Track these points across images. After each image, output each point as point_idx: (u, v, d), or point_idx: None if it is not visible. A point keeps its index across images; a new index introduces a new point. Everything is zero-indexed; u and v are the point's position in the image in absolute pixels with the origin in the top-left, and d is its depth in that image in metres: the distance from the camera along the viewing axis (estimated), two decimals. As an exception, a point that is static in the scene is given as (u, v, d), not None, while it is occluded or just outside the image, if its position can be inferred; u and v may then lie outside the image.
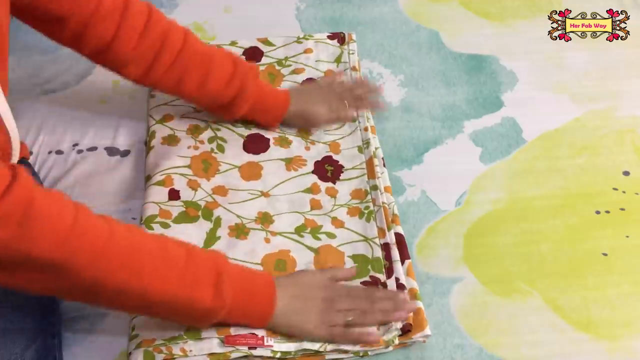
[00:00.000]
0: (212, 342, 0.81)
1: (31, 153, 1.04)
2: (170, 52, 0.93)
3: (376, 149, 1.02)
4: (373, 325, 0.81)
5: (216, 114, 1.03)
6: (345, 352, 0.82)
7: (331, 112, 1.05)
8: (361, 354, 0.83)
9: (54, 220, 0.65)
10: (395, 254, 0.89)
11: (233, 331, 0.81)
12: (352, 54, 1.16)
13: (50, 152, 1.04)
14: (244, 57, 1.16)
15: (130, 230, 0.71)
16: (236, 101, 0.98)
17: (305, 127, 1.05)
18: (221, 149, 1.02)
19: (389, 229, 0.92)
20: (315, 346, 0.81)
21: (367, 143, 1.02)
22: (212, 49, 0.98)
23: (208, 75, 0.95)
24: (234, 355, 0.80)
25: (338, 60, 1.15)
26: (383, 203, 0.94)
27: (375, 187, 0.96)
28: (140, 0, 0.94)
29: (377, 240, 0.91)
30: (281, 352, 0.81)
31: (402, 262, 0.89)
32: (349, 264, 0.89)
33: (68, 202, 0.68)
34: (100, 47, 0.91)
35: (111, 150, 1.05)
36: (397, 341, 0.82)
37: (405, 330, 0.82)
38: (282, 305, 0.79)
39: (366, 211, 0.95)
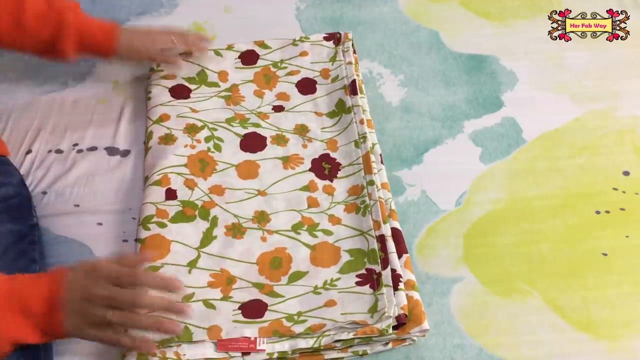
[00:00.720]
0: (206, 346, 0.81)
1: (30, 152, 1.04)
2: None
3: (373, 144, 1.02)
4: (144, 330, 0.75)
5: (49, 59, 1.02)
6: (345, 350, 0.82)
7: (156, 44, 1.05)
8: (360, 353, 0.83)
9: None
10: (391, 245, 0.89)
11: (224, 334, 0.81)
12: (347, 51, 1.16)
13: (50, 152, 1.04)
14: (239, 60, 1.16)
15: None
16: (58, 37, 0.97)
17: (137, 59, 1.07)
18: (218, 148, 1.02)
19: (384, 222, 0.91)
20: (310, 343, 0.81)
21: (363, 137, 1.02)
22: None
23: (20, 15, 0.94)
24: None
25: (333, 59, 1.15)
26: (380, 198, 0.94)
27: (371, 183, 0.96)
28: None
29: (372, 232, 0.91)
30: (278, 352, 0.81)
31: (400, 256, 0.89)
32: (345, 258, 0.90)
33: None
34: None
35: (111, 150, 1.06)
36: (391, 330, 0.81)
37: (400, 322, 0.82)
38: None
39: (362, 205, 0.95)
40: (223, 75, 1.13)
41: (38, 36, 0.96)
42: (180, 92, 1.09)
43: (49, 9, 0.96)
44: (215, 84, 1.12)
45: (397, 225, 0.93)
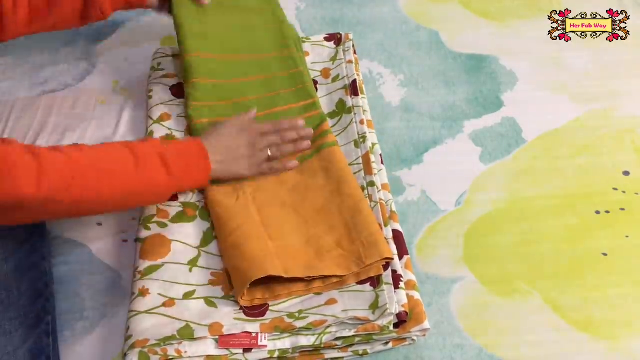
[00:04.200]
0: (207, 343, 0.81)
1: (31, 153, 1.04)
2: None
3: (373, 144, 1.02)
4: (289, 156, 0.98)
5: (86, 24, 1.05)
6: (345, 350, 0.82)
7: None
8: (360, 352, 0.83)
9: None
10: (393, 248, 0.89)
11: (226, 330, 0.81)
12: (347, 50, 1.16)
13: (50, 152, 1.04)
14: None
15: (78, 148, 0.83)
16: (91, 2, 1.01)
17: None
18: None
19: (385, 225, 0.91)
20: (311, 340, 0.81)
21: (363, 137, 1.02)
22: None
23: None
24: (230, 358, 0.80)
25: (333, 59, 1.15)
26: (380, 199, 0.94)
27: (372, 184, 0.96)
28: None
29: None
30: (279, 350, 0.81)
31: (401, 258, 0.89)
32: None
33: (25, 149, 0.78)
34: None
35: (111, 150, 1.06)
36: (391, 328, 0.81)
37: (401, 320, 0.82)
38: (215, 163, 0.92)
39: None
40: None
41: (72, 5, 1.00)
42: (181, 91, 1.09)
43: None
44: None
45: (398, 227, 0.92)
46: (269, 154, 0.96)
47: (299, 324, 0.82)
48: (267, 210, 0.93)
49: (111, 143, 0.90)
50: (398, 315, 0.82)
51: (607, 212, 1.00)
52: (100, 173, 0.81)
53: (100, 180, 0.81)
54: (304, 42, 1.18)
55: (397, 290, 0.84)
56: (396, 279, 0.85)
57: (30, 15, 0.97)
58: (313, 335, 0.81)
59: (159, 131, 1.03)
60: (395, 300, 0.83)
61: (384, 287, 0.85)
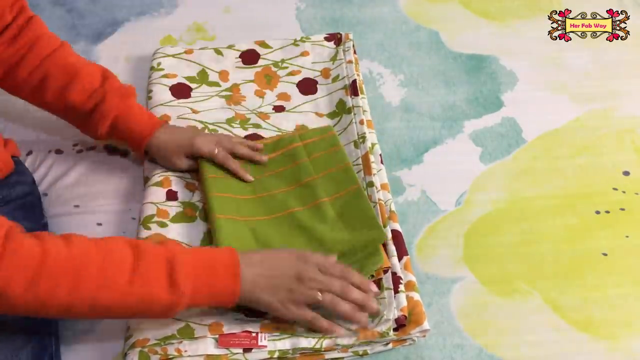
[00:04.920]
0: (207, 343, 0.81)
1: (31, 152, 1.04)
2: (36, 57, 0.93)
3: (373, 144, 1.02)
4: (339, 316, 0.80)
5: (82, 131, 0.99)
6: (345, 350, 0.82)
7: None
8: (360, 353, 0.83)
9: None
10: (392, 249, 0.89)
11: (226, 330, 0.81)
12: (347, 50, 1.16)
13: (50, 152, 1.04)
14: (240, 60, 1.15)
15: (68, 243, 0.70)
16: (95, 115, 0.94)
17: (165, 164, 0.98)
18: None
19: (385, 225, 0.91)
20: (312, 343, 0.81)
21: (362, 137, 1.02)
22: (84, 63, 0.96)
23: (69, 86, 0.93)
24: (230, 358, 0.80)
25: (334, 58, 1.15)
26: (379, 200, 0.94)
27: (371, 184, 0.96)
28: (27, 8, 0.95)
29: None
30: (279, 351, 0.81)
31: (400, 258, 0.89)
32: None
33: None
34: None
35: (111, 150, 1.06)
36: (391, 333, 0.81)
37: (400, 324, 0.82)
38: (248, 282, 0.76)
39: None
40: (224, 75, 1.13)
41: (77, 111, 0.95)
42: (180, 91, 1.09)
43: (100, 86, 0.94)
44: (216, 84, 1.12)
45: (397, 227, 0.92)
46: (319, 298, 0.78)
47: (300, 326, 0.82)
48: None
49: (115, 240, 0.74)
50: (397, 320, 0.82)
51: (607, 212, 1.00)
52: (75, 277, 0.69)
53: (70, 285, 0.69)
54: (304, 41, 1.18)
55: (397, 295, 0.84)
56: (396, 281, 0.85)
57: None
58: (313, 337, 0.81)
59: None
60: (394, 305, 0.83)
61: (385, 293, 0.84)
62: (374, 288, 0.82)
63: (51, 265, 0.68)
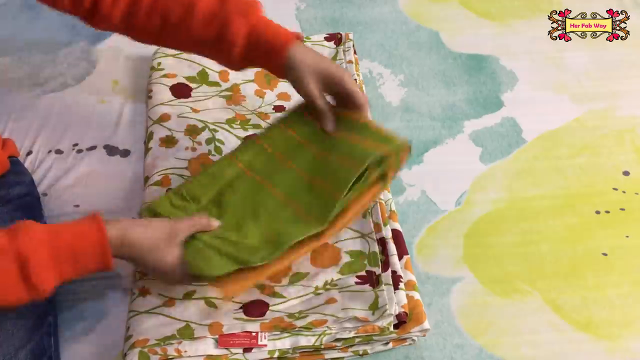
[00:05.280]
0: (207, 343, 0.81)
1: (31, 153, 1.04)
2: None
3: None
4: None
5: (220, 62, 0.91)
6: (345, 350, 0.82)
7: (331, 69, 0.84)
8: (361, 353, 0.83)
9: None
10: (392, 248, 0.89)
11: (226, 330, 0.81)
12: (348, 50, 1.16)
13: (50, 152, 1.04)
14: None
15: None
16: (224, 43, 0.85)
17: (299, 87, 0.86)
18: (219, 150, 1.02)
19: (385, 224, 0.91)
20: (311, 341, 0.81)
21: None
22: None
23: (187, 19, 0.85)
24: (230, 358, 0.80)
25: (334, 58, 1.15)
26: (379, 199, 0.94)
27: None
28: None
29: (373, 235, 0.91)
30: (279, 350, 0.81)
31: (400, 258, 0.89)
32: (345, 259, 0.89)
33: None
34: None
35: (111, 150, 1.06)
36: (391, 329, 0.81)
37: (401, 321, 0.82)
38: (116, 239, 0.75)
39: None
40: (224, 75, 1.13)
41: (203, 37, 0.86)
42: (181, 91, 1.09)
43: (220, 8, 0.85)
44: (216, 84, 1.12)
45: (397, 226, 0.92)
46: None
47: (299, 323, 0.82)
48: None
49: None
50: (398, 316, 0.82)
51: (607, 212, 1.00)
52: None
53: None
54: (304, 41, 1.18)
55: (397, 291, 0.84)
56: (396, 279, 0.85)
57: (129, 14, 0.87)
58: (313, 335, 0.81)
59: (160, 132, 1.03)
60: (395, 301, 0.83)
61: (384, 287, 0.85)
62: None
63: None
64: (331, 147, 0.86)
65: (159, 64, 1.13)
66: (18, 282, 0.70)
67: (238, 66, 0.89)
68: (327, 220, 0.81)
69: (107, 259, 0.75)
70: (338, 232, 0.85)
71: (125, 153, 1.05)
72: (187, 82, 1.11)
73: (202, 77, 1.12)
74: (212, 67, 1.13)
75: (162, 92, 1.09)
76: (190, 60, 1.13)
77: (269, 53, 0.85)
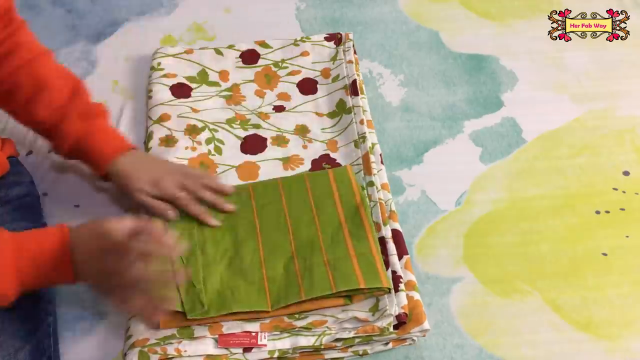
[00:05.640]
0: (206, 343, 0.81)
1: (31, 152, 1.04)
2: (9, 65, 0.90)
3: (373, 144, 1.02)
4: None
5: (50, 147, 0.95)
6: (345, 350, 0.82)
7: (154, 188, 0.90)
8: (360, 353, 0.83)
9: None
10: (392, 248, 0.89)
11: (225, 330, 0.81)
12: (348, 50, 1.16)
13: (50, 152, 1.04)
14: (240, 59, 1.15)
15: None
16: (57, 133, 0.90)
17: (123, 191, 0.92)
18: (218, 150, 1.02)
19: (384, 224, 0.91)
20: (311, 341, 0.81)
21: (362, 137, 1.02)
22: (57, 76, 0.92)
23: (35, 99, 0.89)
24: (230, 358, 0.80)
25: (334, 58, 1.15)
26: (379, 199, 0.94)
27: (371, 184, 0.96)
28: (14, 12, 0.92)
29: None
30: (278, 350, 0.81)
31: (400, 258, 0.89)
32: None
33: None
34: None
35: (111, 150, 1.06)
36: (391, 329, 0.81)
37: (401, 322, 0.82)
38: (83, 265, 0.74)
39: None
40: (224, 75, 1.13)
41: (40, 125, 0.92)
42: (181, 91, 1.09)
43: (67, 103, 0.90)
44: (216, 84, 1.12)
45: (397, 226, 0.92)
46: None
47: (299, 323, 0.82)
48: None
49: None
50: (398, 317, 0.82)
51: (607, 212, 1.00)
52: None
53: None
54: (304, 41, 1.18)
55: (397, 293, 0.84)
56: (396, 279, 0.85)
57: None
58: (313, 336, 0.81)
59: (159, 132, 1.03)
60: (395, 302, 0.83)
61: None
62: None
63: None
64: (330, 237, 0.89)
65: (159, 63, 1.13)
66: None
67: (64, 156, 0.93)
68: (278, 306, 0.83)
69: (66, 262, 0.73)
70: (284, 313, 0.84)
71: (125, 153, 1.05)
72: (187, 82, 1.11)
73: (202, 77, 1.12)
74: (212, 67, 1.14)
75: (162, 92, 1.09)
76: (190, 61, 1.13)
77: (92, 160, 0.91)
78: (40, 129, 0.93)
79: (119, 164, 0.90)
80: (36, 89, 0.90)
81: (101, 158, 0.90)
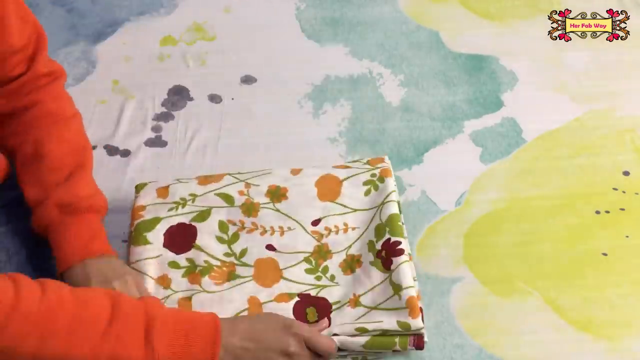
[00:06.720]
0: None
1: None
2: (22, 122, 0.86)
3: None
4: None
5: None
6: (344, 357, 0.82)
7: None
8: (360, 359, 0.83)
9: None
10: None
11: None
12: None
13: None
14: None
15: (44, 290, 0.68)
16: (35, 210, 0.85)
17: None
18: None
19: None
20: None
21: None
22: (67, 154, 0.87)
23: (28, 167, 0.86)
24: None
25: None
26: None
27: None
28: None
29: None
30: None
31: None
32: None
33: None
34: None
35: (111, 150, 1.05)
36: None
37: (418, 346, 0.81)
38: (230, 353, 0.73)
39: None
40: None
41: (26, 192, 0.86)
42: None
43: (52, 188, 0.85)
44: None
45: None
46: None
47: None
48: None
49: (93, 291, 0.73)
50: (416, 340, 0.81)
51: (607, 212, 1.00)
52: (45, 328, 0.67)
53: (39, 336, 0.67)
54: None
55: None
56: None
57: None
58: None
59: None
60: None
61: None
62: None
63: (22, 313, 0.66)
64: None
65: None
66: (139, 340, 0.70)
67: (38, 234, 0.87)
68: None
69: (217, 347, 0.72)
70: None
71: (125, 153, 1.05)
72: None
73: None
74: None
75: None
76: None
77: (55, 255, 0.84)
78: (24, 195, 0.87)
79: (80, 267, 0.82)
80: (33, 159, 0.86)
81: (65, 257, 0.83)
